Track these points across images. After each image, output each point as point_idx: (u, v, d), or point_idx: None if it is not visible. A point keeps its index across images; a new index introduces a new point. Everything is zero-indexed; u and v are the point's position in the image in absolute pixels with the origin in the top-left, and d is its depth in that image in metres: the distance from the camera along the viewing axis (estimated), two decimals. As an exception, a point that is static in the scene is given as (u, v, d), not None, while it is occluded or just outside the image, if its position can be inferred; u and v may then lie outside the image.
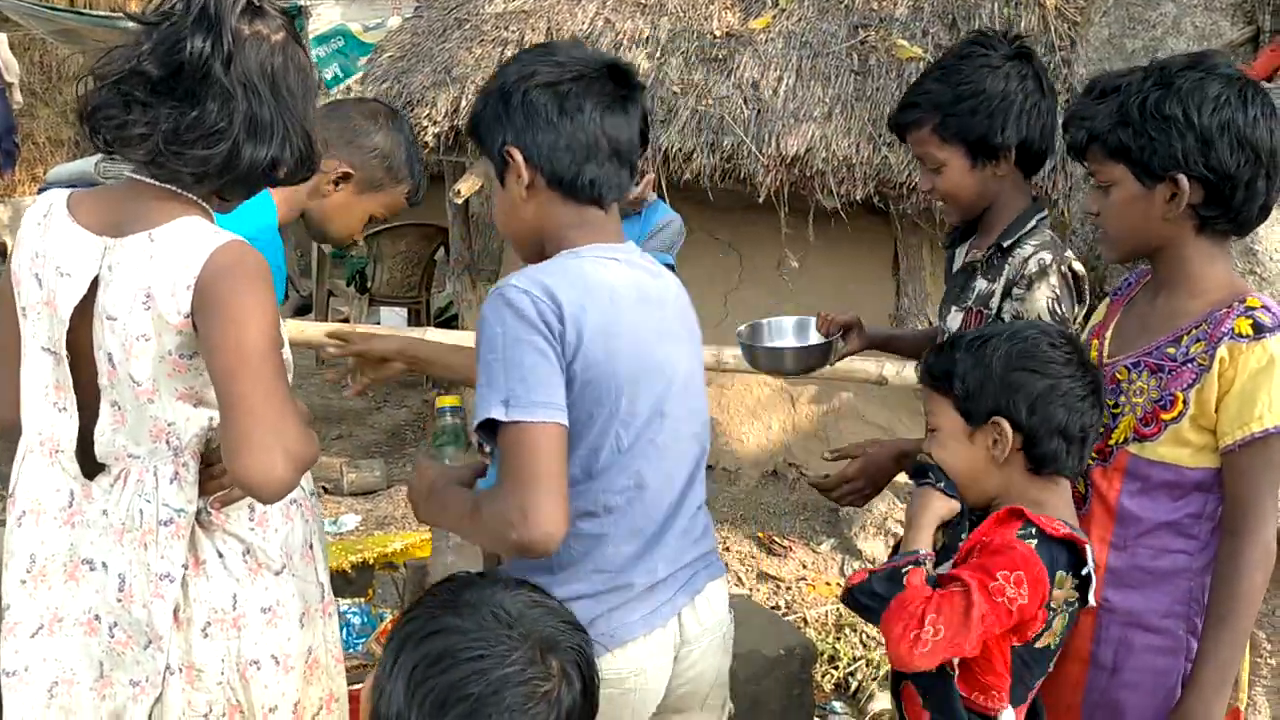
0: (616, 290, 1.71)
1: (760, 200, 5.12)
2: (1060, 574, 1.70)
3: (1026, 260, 2.09)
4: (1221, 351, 1.73)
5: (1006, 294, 2.11)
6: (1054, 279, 2.07)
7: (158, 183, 1.63)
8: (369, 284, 7.65)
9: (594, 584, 1.69)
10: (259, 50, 1.62)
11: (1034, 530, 1.70)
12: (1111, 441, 1.85)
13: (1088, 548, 1.73)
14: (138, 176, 1.65)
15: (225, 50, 1.58)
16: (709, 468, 5.85)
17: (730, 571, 4.94)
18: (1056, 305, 2.06)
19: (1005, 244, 2.13)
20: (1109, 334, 1.94)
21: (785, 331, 2.56)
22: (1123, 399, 1.84)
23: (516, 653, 1.18)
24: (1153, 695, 1.82)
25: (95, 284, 1.62)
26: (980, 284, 2.18)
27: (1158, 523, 1.82)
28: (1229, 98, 1.73)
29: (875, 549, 5.00)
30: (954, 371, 1.80)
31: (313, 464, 1.65)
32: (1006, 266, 2.13)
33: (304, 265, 9.01)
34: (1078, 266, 2.11)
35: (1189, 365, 1.77)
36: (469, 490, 1.74)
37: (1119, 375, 1.86)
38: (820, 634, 4.31)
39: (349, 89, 7.82)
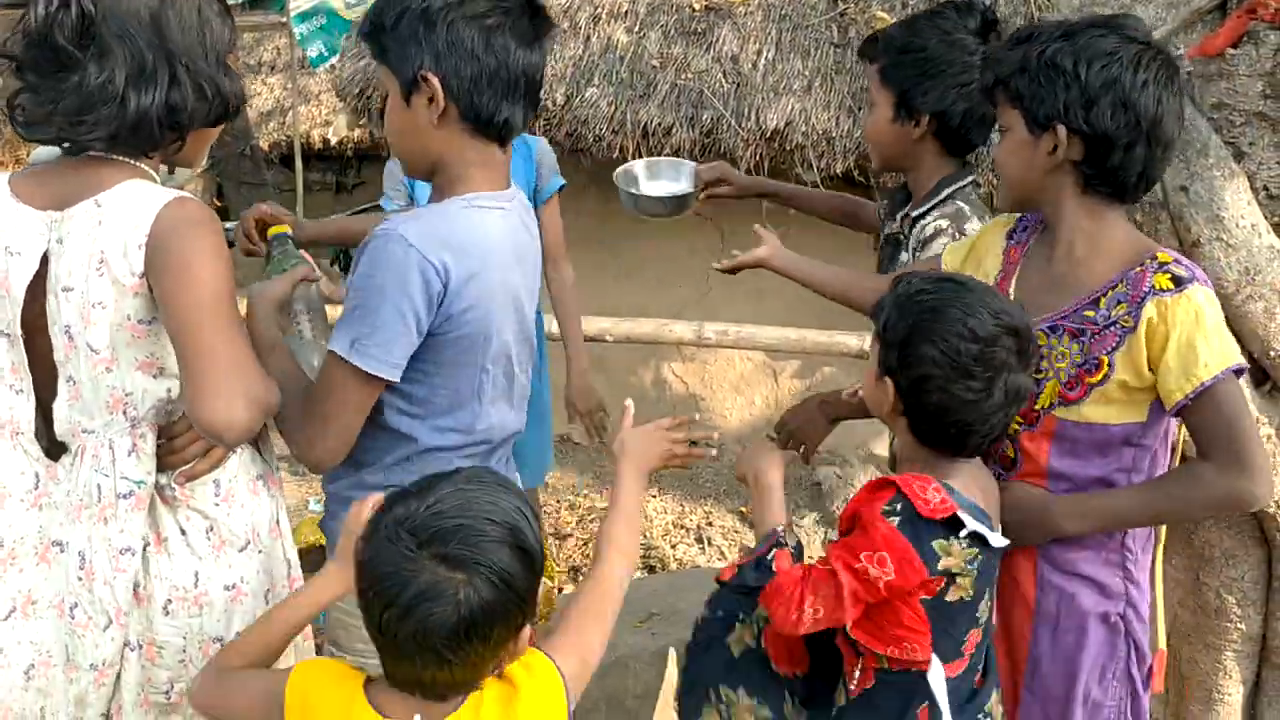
0: (500, 251, 1.80)
1: (741, 174, 5.12)
2: (939, 543, 1.64)
3: (926, 224, 2.17)
4: (1149, 311, 1.74)
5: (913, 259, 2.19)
6: (944, 240, 2.13)
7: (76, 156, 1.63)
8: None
9: None
10: None
11: (899, 507, 1.65)
12: (1037, 406, 1.85)
13: (961, 514, 1.65)
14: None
15: (74, 7, 1.56)
16: (692, 444, 5.86)
17: (713, 546, 4.96)
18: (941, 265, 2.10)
19: (914, 215, 2.20)
20: (1012, 287, 1.93)
21: (661, 173, 2.77)
22: (1045, 364, 1.85)
23: (423, 575, 1.36)
24: (1094, 641, 1.86)
25: (45, 260, 1.62)
26: (902, 255, 2.25)
27: (1088, 478, 1.84)
28: (1121, 57, 1.74)
29: (858, 521, 5.02)
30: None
31: (274, 410, 1.65)
32: (913, 236, 2.19)
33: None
34: (971, 231, 2.13)
35: (1112, 328, 1.78)
36: (296, 371, 1.80)
37: (1039, 339, 1.86)
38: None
39: (333, 67, 7.78)
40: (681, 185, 2.72)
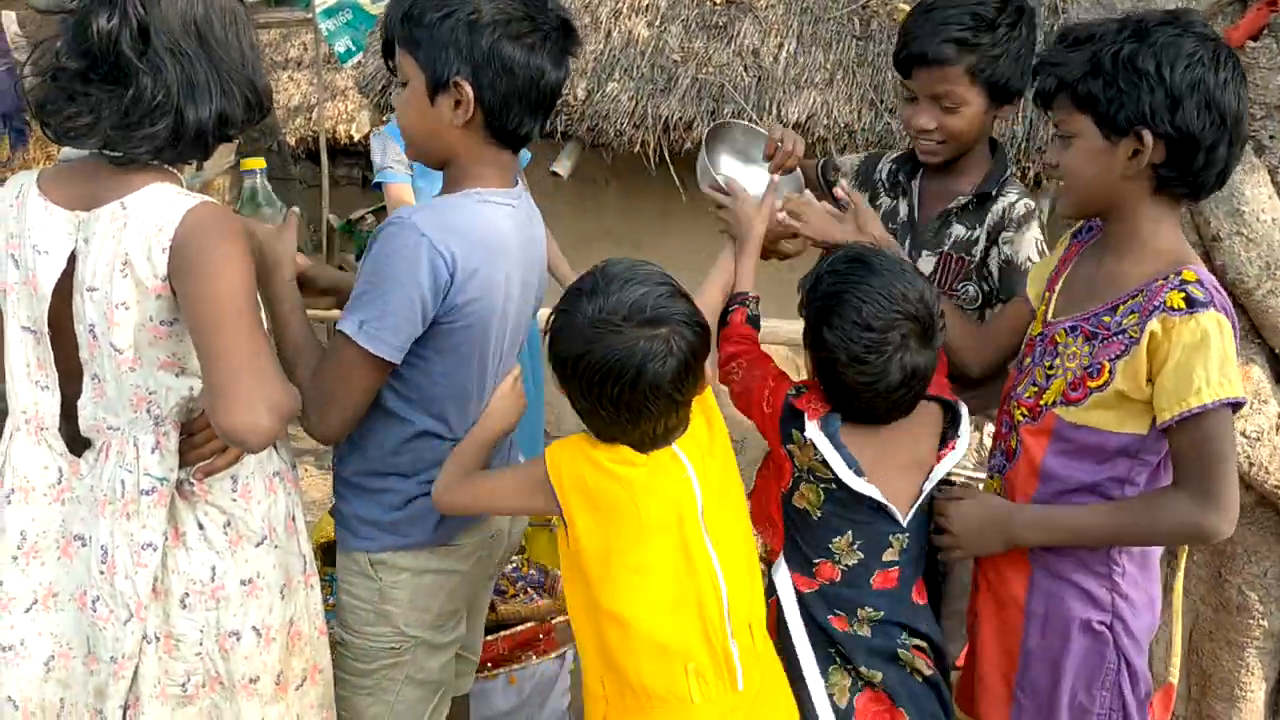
0: (508, 247, 1.86)
1: (763, 168, 5.11)
2: (795, 431, 1.86)
3: (1013, 204, 2.16)
4: (1153, 325, 1.71)
5: (993, 240, 2.17)
6: (1035, 222, 2.15)
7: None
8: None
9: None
10: (175, 6, 1.61)
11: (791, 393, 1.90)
12: (1042, 402, 1.86)
13: (805, 417, 1.84)
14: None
15: (134, 21, 1.58)
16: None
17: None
18: (1046, 247, 2.14)
19: (990, 192, 2.19)
20: (1057, 290, 1.93)
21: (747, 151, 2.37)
22: (1058, 361, 1.84)
23: (638, 341, 1.64)
24: (1079, 647, 1.85)
25: (73, 259, 1.64)
26: (958, 229, 2.22)
27: (1079, 484, 1.83)
28: (1203, 57, 1.71)
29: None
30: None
31: (295, 415, 1.67)
32: (988, 214, 2.17)
33: (315, 240, 9.06)
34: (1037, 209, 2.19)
35: (1120, 336, 1.76)
36: (308, 342, 1.85)
37: (1058, 338, 1.87)
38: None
39: (359, 64, 7.83)
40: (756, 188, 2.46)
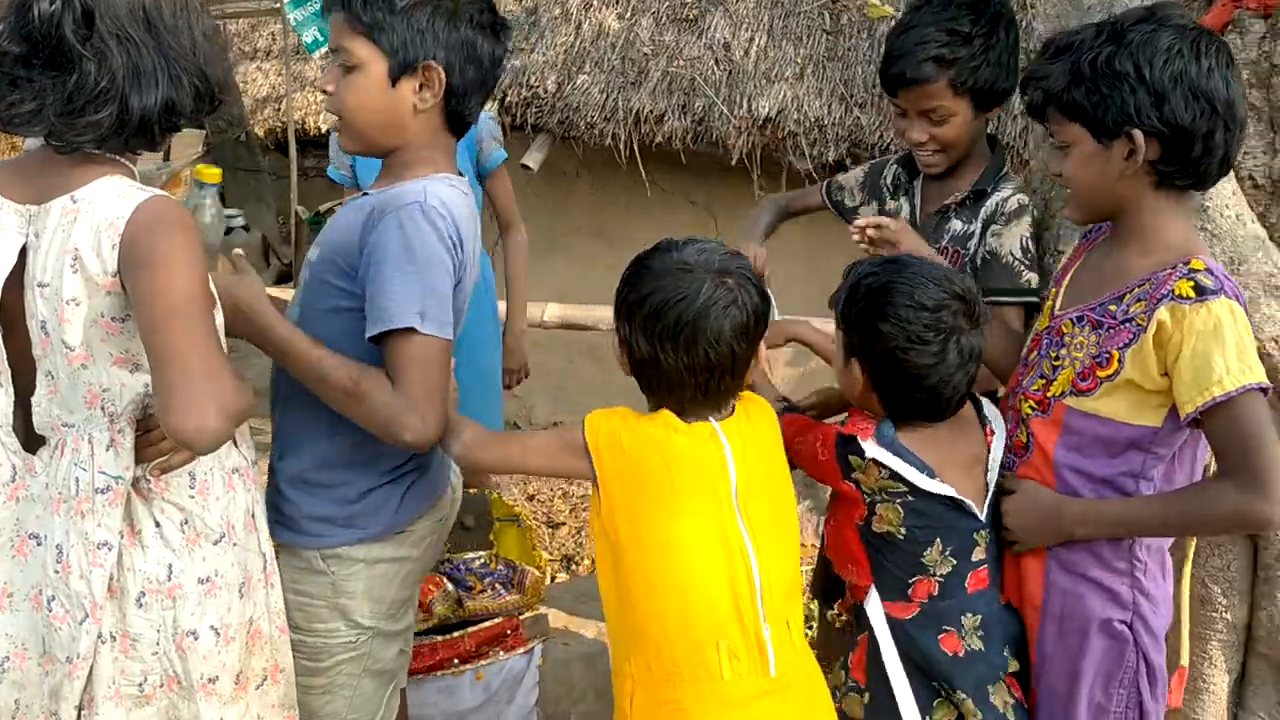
0: (472, 225, 1.88)
1: (733, 162, 5.11)
2: (854, 458, 1.82)
3: (1006, 199, 2.20)
4: (1161, 314, 1.71)
5: (985, 231, 2.21)
6: (1027, 219, 2.19)
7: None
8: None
9: (403, 469, 1.93)
10: None
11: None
12: (1050, 394, 1.86)
13: (867, 442, 1.81)
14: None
15: (77, 5, 1.55)
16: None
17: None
18: (1031, 244, 2.18)
19: (987, 189, 2.24)
20: (1065, 284, 1.94)
21: None
22: (1064, 352, 1.84)
23: (705, 285, 1.69)
24: (1097, 647, 1.84)
25: (23, 253, 1.61)
26: (955, 225, 2.27)
27: (1095, 478, 1.83)
28: (1181, 49, 1.71)
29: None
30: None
31: (247, 416, 1.64)
32: (983, 208, 2.22)
33: (285, 233, 8.99)
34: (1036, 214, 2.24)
35: (1127, 325, 1.76)
36: (340, 359, 1.77)
37: (1064, 328, 1.87)
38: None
39: (327, 54, 7.76)
40: None
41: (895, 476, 1.81)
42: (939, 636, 1.86)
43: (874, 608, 1.87)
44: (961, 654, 1.85)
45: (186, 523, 1.71)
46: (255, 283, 1.82)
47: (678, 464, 1.73)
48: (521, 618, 3.35)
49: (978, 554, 1.88)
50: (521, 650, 3.26)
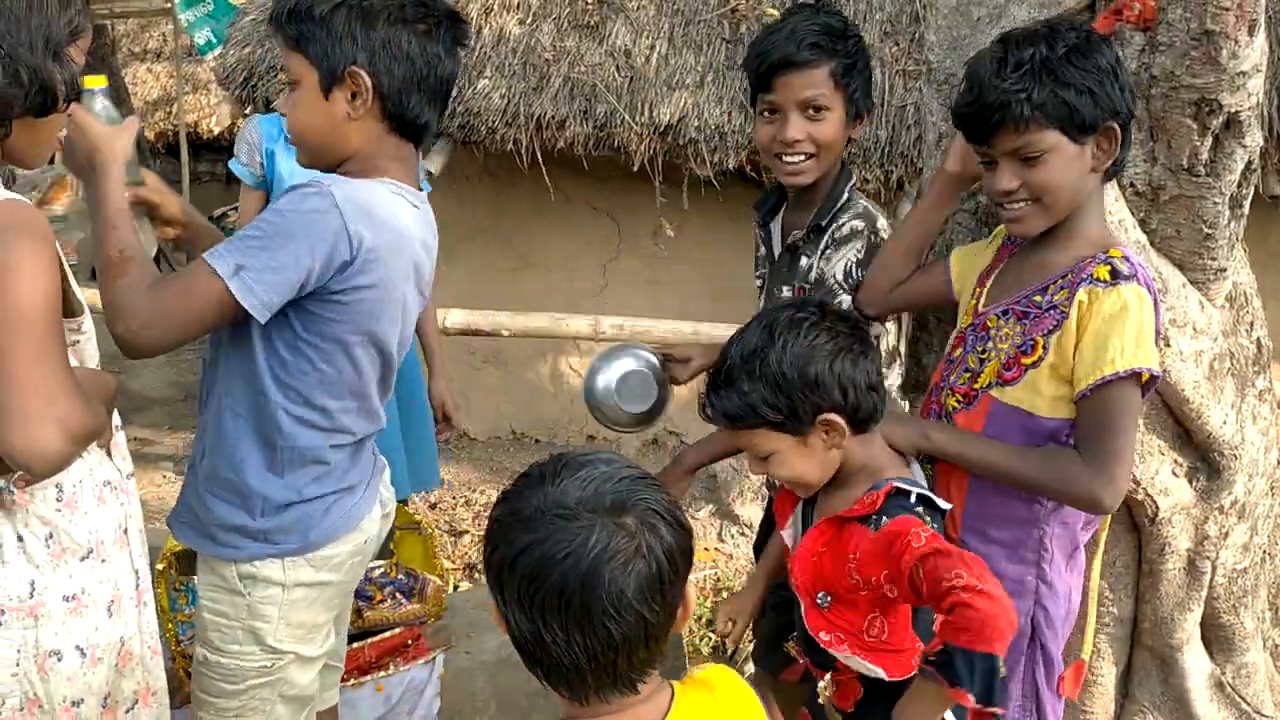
0: (410, 244, 1.83)
1: (635, 169, 5.11)
2: (900, 509, 1.72)
3: (841, 226, 2.20)
4: (1080, 295, 1.76)
5: (820, 256, 2.21)
6: (859, 244, 2.18)
7: None
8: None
9: (324, 486, 1.86)
10: None
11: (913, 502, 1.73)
12: (977, 385, 1.89)
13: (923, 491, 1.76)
14: None
15: None
16: (590, 437, 5.81)
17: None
18: (854, 269, 2.17)
19: (823, 224, 2.21)
20: (989, 283, 1.97)
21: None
22: (990, 345, 1.88)
23: (594, 533, 1.22)
24: None
25: None
26: (803, 262, 2.26)
27: None
28: (1105, 42, 1.79)
29: (753, 514, 5.07)
30: (755, 406, 1.75)
31: (96, 436, 1.57)
32: (823, 240, 2.22)
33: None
34: (883, 228, 2.23)
35: (1052, 312, 1.80)
36: (138, 240, 1.72)
37: (989, 323, 1.90)
38: (698, 598, 4.36)
39: (220, 56, 7.57)
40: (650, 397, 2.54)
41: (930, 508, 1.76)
42: None
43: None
44: None
45: (52, 537, 1.63)
46: (123, 145, 1.74)
47: None
48: (423, 627, 3.30)
49: None
50: (423, 660, 3.21)
